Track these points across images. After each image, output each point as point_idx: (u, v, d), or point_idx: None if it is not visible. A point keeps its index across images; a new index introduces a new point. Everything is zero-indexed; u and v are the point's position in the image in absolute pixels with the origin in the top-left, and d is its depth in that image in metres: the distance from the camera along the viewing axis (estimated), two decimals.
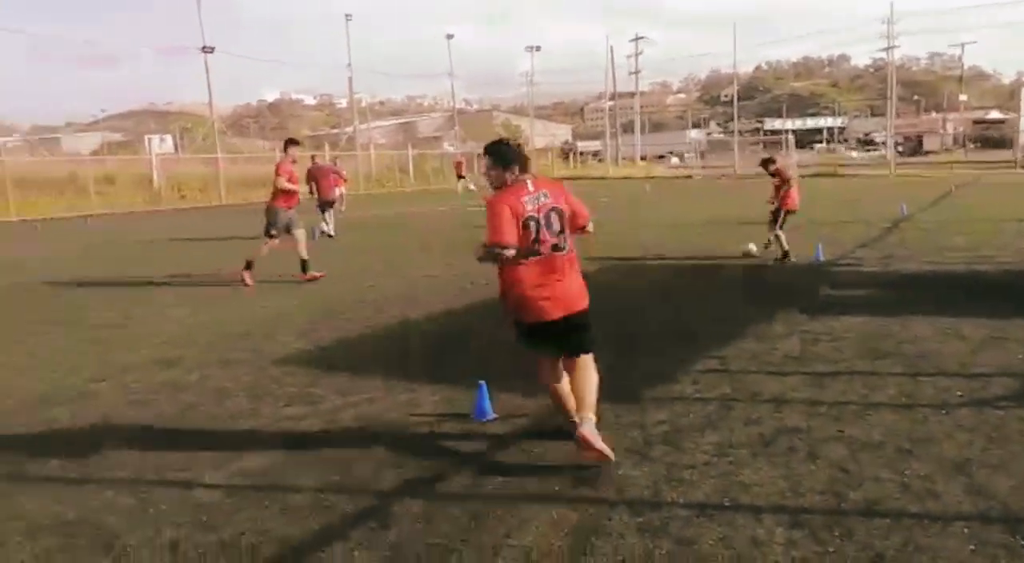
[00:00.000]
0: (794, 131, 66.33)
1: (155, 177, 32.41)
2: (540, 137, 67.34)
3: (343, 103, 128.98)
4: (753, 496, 3.46)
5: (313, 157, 18.87)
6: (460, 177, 33.37)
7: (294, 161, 10.60)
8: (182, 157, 41.19)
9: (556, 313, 3.94)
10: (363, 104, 50.82)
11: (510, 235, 3.83)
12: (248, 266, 10.14)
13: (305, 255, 10.40)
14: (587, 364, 4.08)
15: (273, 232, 10.22)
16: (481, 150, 4.80)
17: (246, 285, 9.96)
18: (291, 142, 10.74)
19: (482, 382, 4.64)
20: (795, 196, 10.96)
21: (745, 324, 6.87)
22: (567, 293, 3.98)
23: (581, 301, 4.06)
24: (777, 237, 10.81)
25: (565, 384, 4.14)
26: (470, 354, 6.32)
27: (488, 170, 4.06)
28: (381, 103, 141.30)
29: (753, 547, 3.02)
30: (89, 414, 5.05)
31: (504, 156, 4.00)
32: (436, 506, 3.50)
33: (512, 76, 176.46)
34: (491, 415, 4.60)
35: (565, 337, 4.05)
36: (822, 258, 10.77)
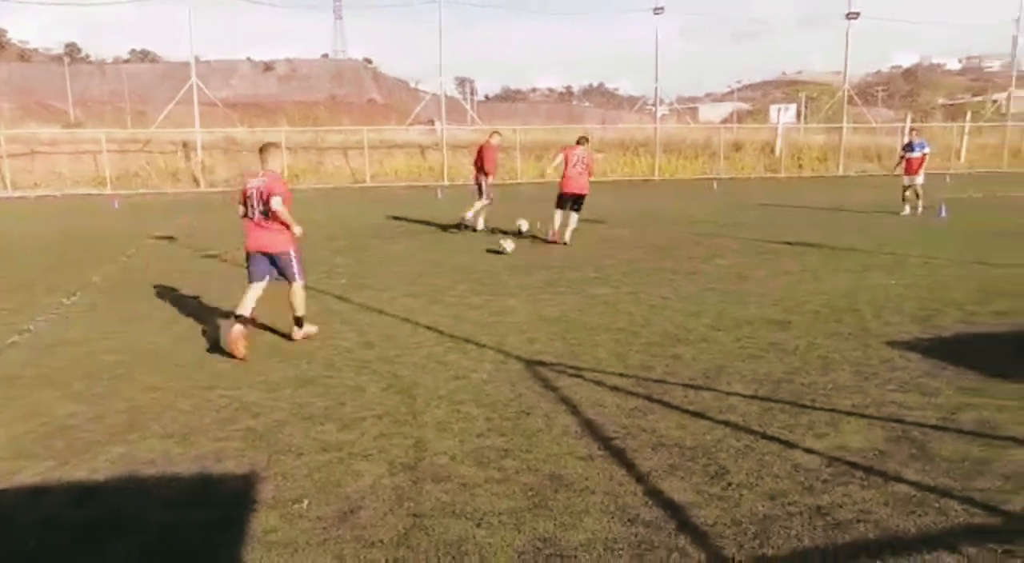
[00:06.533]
0: None
1: (777, 145, 33.52)
2: None
3: (995, 66, 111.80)
4: None
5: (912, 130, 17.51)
6: None
7: None
8: (804, 126, 41.44)
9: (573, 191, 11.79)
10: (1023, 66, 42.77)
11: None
12: None
13: None
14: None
15: None
16: None
17: None
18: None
19: None
20: None
21: None
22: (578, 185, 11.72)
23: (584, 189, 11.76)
24: None
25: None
26: None
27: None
28: None
29: None
30: (707, 357, 5.62)
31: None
32: None
33: None
34: None
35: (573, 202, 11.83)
36: None
